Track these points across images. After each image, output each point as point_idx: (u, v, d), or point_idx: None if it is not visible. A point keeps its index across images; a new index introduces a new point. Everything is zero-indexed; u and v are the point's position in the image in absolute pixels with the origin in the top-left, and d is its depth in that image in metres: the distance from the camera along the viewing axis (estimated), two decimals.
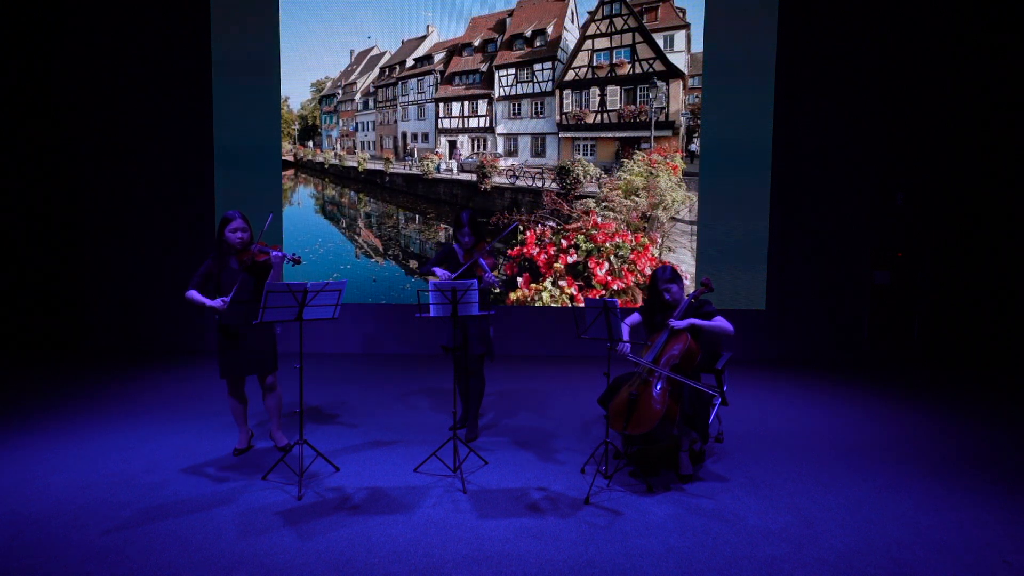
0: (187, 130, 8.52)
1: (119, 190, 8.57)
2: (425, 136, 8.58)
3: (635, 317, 4.53)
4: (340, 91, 8.61)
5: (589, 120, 8.34)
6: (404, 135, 8.61)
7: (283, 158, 8.61)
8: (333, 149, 8.68)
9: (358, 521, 3.57)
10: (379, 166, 8.65)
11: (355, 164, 8.67)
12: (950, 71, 8.22)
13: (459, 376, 5.06)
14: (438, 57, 8.45)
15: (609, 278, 8.36)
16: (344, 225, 8.67)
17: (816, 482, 4.21)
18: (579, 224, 8.37)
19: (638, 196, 8.32)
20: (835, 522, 3.63)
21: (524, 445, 4.89)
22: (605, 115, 8.32)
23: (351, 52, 8.53)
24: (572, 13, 8.30)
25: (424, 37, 8.47)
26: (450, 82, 8.46)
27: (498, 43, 8.41)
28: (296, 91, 8.56)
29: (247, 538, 3.36)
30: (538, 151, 8.40)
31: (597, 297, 3.91)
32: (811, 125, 8.32)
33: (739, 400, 6.20)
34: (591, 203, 8.35)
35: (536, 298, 8.43)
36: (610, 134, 8.32)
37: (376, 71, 8.55)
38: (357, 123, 8.68)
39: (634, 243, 8.35)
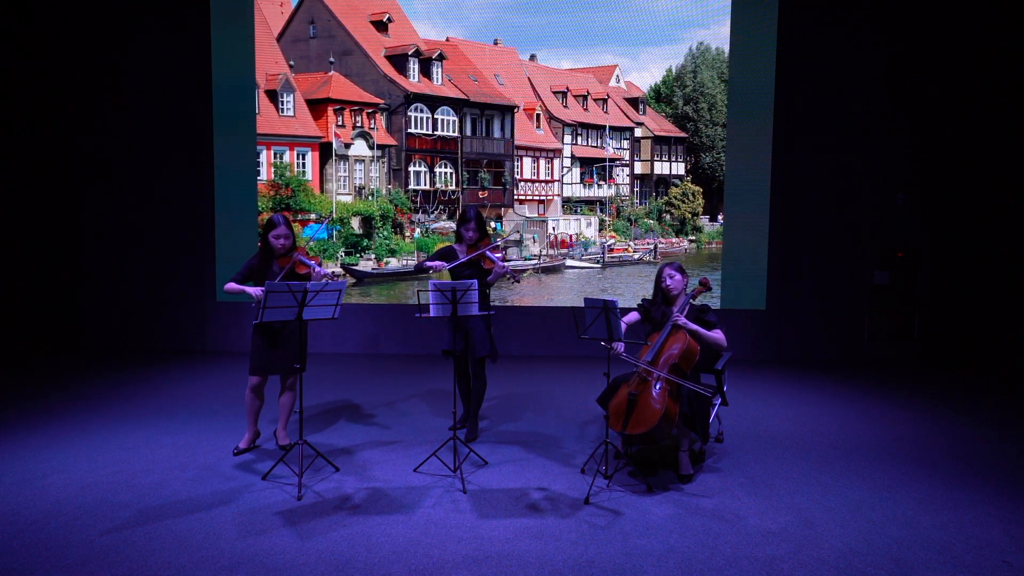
0: (187, 129, 8.49)
1: (118, 190, 8.55)
2: None
3: (633, 316, 4.52)
4: None
5: None
6: None
7: None
8: None
9: (358, 521, 3.56)
10: None
11: None
12: (951, 71, 8.21)
13: (459, 376, 5.05)
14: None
15: None
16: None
17: (816, 482, 4.21)
18: None
19: None
20: (835, 522, 3.63)
21: (524, 445, 4.89)
22: None
23: None
24: None
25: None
26: None
27: None
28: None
29: (247, 538, 3.36)
30: None
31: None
32: (812, 124, 8.31)
33: (739, 400, 6.19)
34: None
35: None
36: None
37: None
38: None
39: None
